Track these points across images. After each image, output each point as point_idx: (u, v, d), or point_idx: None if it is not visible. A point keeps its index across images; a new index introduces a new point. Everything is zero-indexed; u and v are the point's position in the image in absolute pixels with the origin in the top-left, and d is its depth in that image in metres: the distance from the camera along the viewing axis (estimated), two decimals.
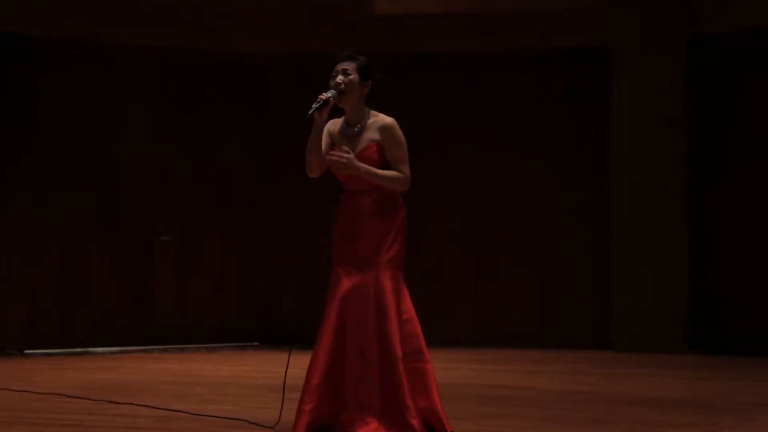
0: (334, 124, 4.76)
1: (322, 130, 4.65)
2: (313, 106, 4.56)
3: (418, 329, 4.68)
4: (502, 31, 10.08)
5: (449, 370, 7.52)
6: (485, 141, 10.30)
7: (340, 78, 4.65)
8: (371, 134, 4.65)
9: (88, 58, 9.91)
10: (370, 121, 4.68)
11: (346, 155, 4.55)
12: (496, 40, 10.10)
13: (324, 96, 4.60)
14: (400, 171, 4.62)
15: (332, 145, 4.71)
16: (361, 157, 4.61)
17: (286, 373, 4.95)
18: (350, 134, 4.68)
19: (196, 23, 10.06)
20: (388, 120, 4.68)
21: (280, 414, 4.96)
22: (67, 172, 9.82)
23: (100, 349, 9.72)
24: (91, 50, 9.87)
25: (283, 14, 10.23)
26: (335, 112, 4.71)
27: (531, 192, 10.28)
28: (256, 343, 10.39)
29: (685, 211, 9.53)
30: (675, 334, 9.42)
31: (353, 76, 4.65)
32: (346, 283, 4.61)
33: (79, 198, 9.84)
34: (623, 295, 9.60)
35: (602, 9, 9.80)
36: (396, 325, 4.53)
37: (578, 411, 5.69)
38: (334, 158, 4.55)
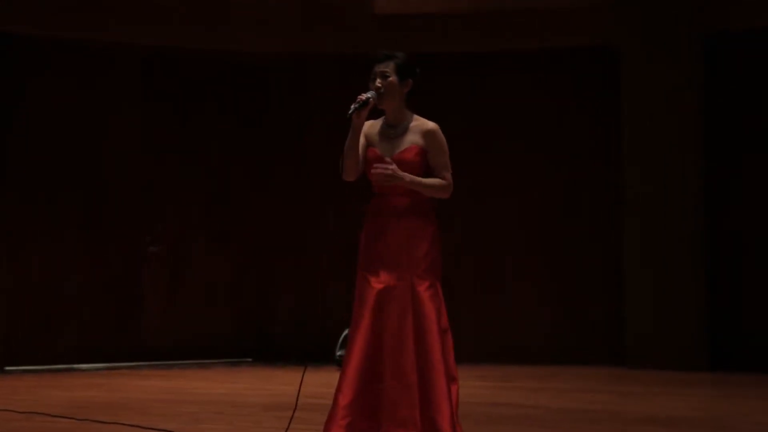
0: (371, 126, 4.81)
1: (360, 132, 4.70)
2: (352, 106, 4.61)
3: (451, 343, 4.68)
4: (504, 31, 10.13)
5: None
6: (488, 143, 10.31)
7: (378, 81, 4.70)
8: (413, 137, 4.72)
9: (77, 59, 9.91)
10: (413, 123, 4.75)
11: (390, 167, 4.61)
12: (498, 40, 10.15)
13: (363, 96, 4.64)
14: (443, 178, 4.70)
15: (368, 147, 4.77)
16: (401, 158, 4.67)
17: (299, 392, 4.89)
18: (391, 135, 4.74)
19: (193, 23, 10.09)
20: (432, 125, 4.74)
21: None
22: (51, 179, 9.80)
23: (84, 366, 9.69)
24: (81, 50, 9.87)
25: (282, 14, 10.27)
26: (373, 113, 4.79)
27: (536, 196, 10.29)
28: (249, 359, 10.36)
29: (700, 216, 9.51)
30: (692, 349, 9.38)
31: (392, 78, 4.70)
32: (377, 289, 4.61)
33: (63, 206, 9.83)
34: (636, 308, 9.57)
35: (609, 7, 9.82)
36: (437, 337, 4.55)
37: (588, 431, 5.66)
38: (379, 171, 4.61)
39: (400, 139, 4.72)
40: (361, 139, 4.75)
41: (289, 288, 10.57)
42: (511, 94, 10.32)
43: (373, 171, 4.64)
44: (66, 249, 9.85)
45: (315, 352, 9.43)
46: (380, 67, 4.71)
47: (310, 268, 10.42)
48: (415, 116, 4.78)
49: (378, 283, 4.61)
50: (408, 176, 4.62)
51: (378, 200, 4.75)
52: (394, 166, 4.62)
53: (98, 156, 10.00)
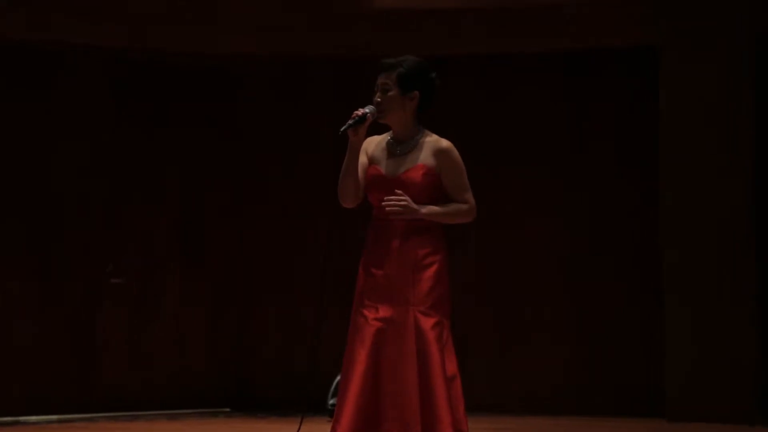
0: (377, 142, 4.90)
1: (358, 151, 4.77)
2: (348, 122, 4.71)
3: (461, 391, 4.71)
4: (524, 29, 10.01)
5: None
6: (504, 159, 10.20)
7: (378, 96, 4.79)
8: (423, 156, 4.79)
9: (25, 64, 9.81)
10: (424, 140, 4.83)
11: (403, 199, 4.70)
12: (517, 40, 10.03)
13: (360, 112, 4.73)
14: (464, 200, 4.81)
15: (369, 165, 4.84)
16: (406, 178, 4.74)
17: None
18: (397, 152, 4.81)
19: (157, 19, 9.96)
20: (444, 143, 4.82)
21: None
22: None
23: (33, 418, 9.56)
24: (30, 53, 9.78)
25: (266, 10, 10.15)
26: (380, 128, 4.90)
27: (560, 223, 10.17)
28: (227, 409, 10.30)
29: (750, 249, 9.36)
30: (743, 399, 9.24)
31: (392, 92, 4.78)
32: (376, 327, 4.66)
33: (6, 233, 9.70)
34: (677, 351, 9.40)
35: (647, 2, 9.72)
36: (444, 385, 4.59)
37: None
38: (390, 205, 4.68)
39: (406, 157, 4.79)
40: (362, 158, 4.84)
41: (274, 325, 10.47)
42: (530, 102, 10.22)
43: (384, 205, 4.71)
44: (10, 286, 9.68)
45: (303, 401, 9.25)
46: (381, 78, 4.81)
47: (299, 302, 10.29)
48: (427, 132, 4.85)
49: (377, 320, 4.65)
50: (425, 208, 4.71)
51: (378, 224, 4.79)
52: (407, 199, 4.69)
53: (39, 179, 9.87)
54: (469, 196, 4.80)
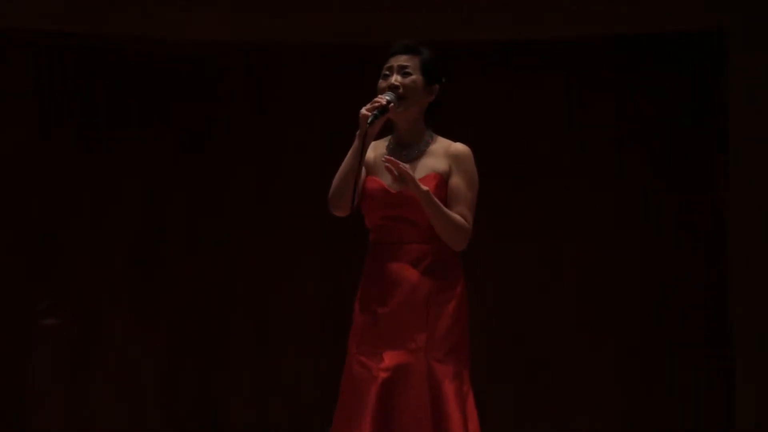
0: (373, 148, 4.83)
1: (367, 149, 4.69)
2: (372, 113, 4.62)
3: None
4: (552, 12, 9.94)
5: None
6: (529, 169, 10.07)
7: (396, 78, 4.71)
8: (434, 162, 4.73)
9: None
10: (434, 145, 4.78)
11: (404, 165, 4.58)
12: (542, 26, 9.99)
13: (383, 99, 4.63)
14: (462, 216, 4.67)
15: (367, 176, 4.79)
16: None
17: None
18: (402, 159, 4.69)
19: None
20: (462, 146, 4.78)
21: None
22: None
23: None
24: None
25: None
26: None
27: (599, 245, 10.05)
28: None
29: None
30: None
31: (416, 77, 4.75)
32: (382, 378, 4.59)
33: None
34: (751, 402, 9.38)
35: None
36: None
37: None
38: (392, 164, 4.57)
39: (414, 165, 4.74)
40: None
41: (246, 373, 10.29)
42: (561, 99, 10.12)
43: (383, 160, 4.63)
44: None
45: None
46: (399, 60, 4.78)
47: (276, 344, 10.20)
48: (438, 137, 4.85)
49: (382, 370, 4.60)
50: (425, 187, 4.60)
51: (379, 250, 4.74)
52: (408, 167, 4.61)
53: None
54: (470, 216, 4.72)
